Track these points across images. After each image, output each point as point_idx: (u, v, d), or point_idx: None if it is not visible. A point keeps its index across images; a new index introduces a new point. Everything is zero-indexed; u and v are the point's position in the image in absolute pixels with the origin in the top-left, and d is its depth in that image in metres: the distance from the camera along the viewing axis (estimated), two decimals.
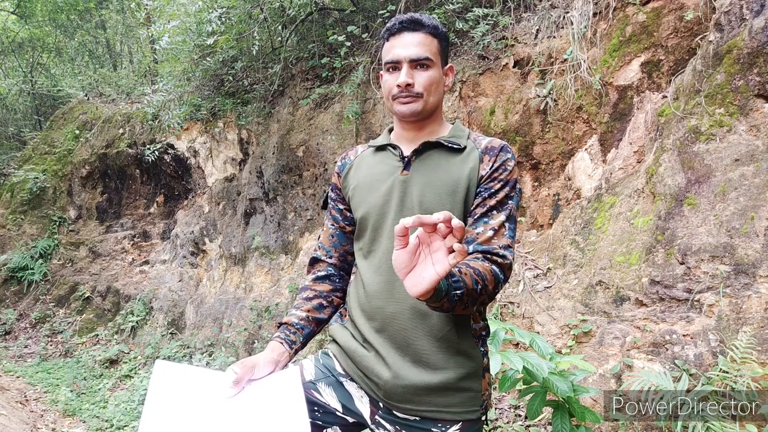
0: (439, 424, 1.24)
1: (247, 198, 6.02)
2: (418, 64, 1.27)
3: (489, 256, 1.20)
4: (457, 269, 1.07)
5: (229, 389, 1.20)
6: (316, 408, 1.31)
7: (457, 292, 1.05)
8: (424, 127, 1.34)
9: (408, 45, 1.27)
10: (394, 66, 1.28)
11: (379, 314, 1.27)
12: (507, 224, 1.24)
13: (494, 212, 1.24)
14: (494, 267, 1.18)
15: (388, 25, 1.32)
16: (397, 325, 1.25)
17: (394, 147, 1.36)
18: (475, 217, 1.25)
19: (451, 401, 1.24)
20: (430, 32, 1.29)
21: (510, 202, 1.26)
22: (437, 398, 1.23)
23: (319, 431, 1.30)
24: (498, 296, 3.51)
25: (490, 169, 1.27)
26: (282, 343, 1.35)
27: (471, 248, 1.21)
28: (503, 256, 1.20)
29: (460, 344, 1.25)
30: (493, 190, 1.26)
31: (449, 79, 1.36)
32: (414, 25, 1.28)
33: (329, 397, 1.33)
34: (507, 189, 1.26)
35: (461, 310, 1.11)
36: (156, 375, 1.20)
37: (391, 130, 1.45)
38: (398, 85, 1.27)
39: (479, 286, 1.11)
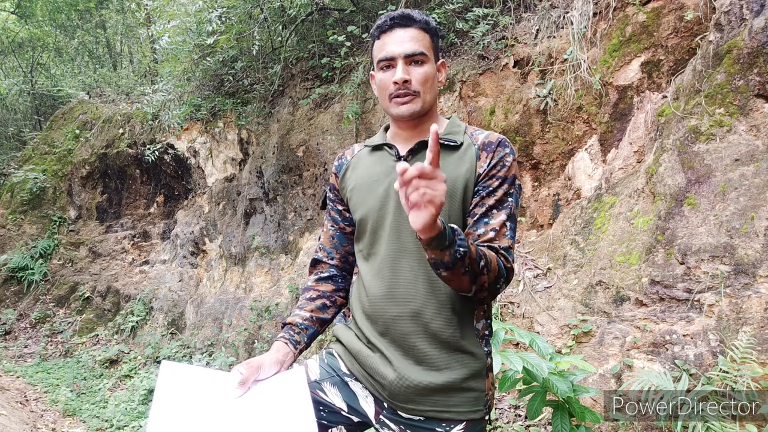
0: (443, 424, 1.24)
1: (247, 198, 6.02)
2: (412, 60, 1.25)
3: (494, 250, 1.19)
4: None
5: (235, 390, 1.20)
6: (321, 407, 1.31)
7: (461, 249, 1.05)
8: (421, 124, 1.32)
9: (401, 41, 1.24)
10: (389, 64, 1.26)
11: (381, 318, 1.27)
12: (508, 224, 1.22)
13: (494, 211, 1.22)
14: (499, 260, 1.17)
15: (378, 22, 1.29)
16: (400, 328, 1.25)
17: (390, 146, 1.35)
18: (475, 217, 1.23)
19: (455, 401, 1.24)
20: (421, 27, 1.27)
21: (509, 199, 1.24)
22: (442, 398, 1.23)
23: (324, 431, 1.31)
24: (498, 296, 3.51)
25: (488, 166, 1.25)
26: (287, 343, 1.35)
27: None
28: (505, 257, 1.19)
29: (463, 345, 1.25)
30: (491, 188, 1.23)
31: (442, 74, 1.34)
32: (405, 21, 1.26)
33: (334, 397, 1.33)
34: (506, 186, 1.24)
35: (461, 274, 1.09)
36: (162, 376, 1.20)
37: (387, 129, 1.43)
38: (395, 82, 1.24)
39: (482, 262, 1.11)
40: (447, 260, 1.05)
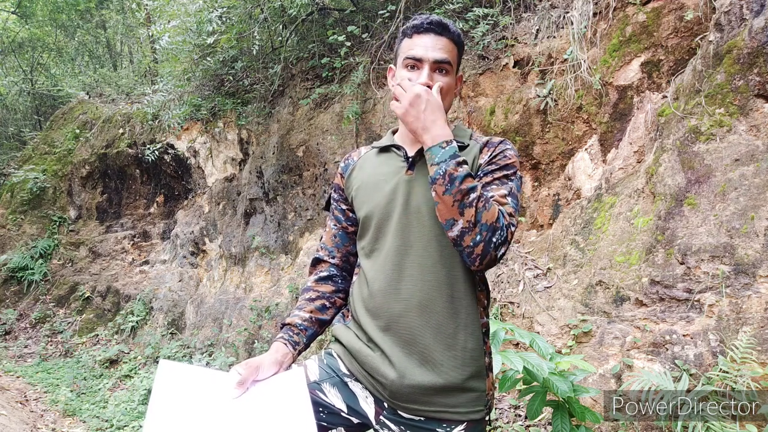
0: (444, 425, 1.24)
1: (247, 198, 6.02)
2: (438, 67, 1.28)
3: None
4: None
5: (233, 390, 1.20)
6: (320, 409, 1.31)
7: (444, 167, 1.16)
8: None
9: (433, 46, 1.28)
10: (414, 64, 1.29)
11: (384, 313, 1.27)
12: (509, 198, 1.24)
13: (493, 186, 1.25)
14: (500, 210, 1.18)
15: (414, 21, 1.32)
16: (404, 323, 1.25)
17: (398, 148, 1.38)
18: None
19: (456, 401, 1.24)
20: (453, 39, 1.31)
21: (510, 182, 1.27)
22: (443, 398, 1.24)
23: None
24: (498, 296, 3.51)
25: (489, 157, 1.30)
26: (286, 344, 1.35)
27: None
28: (508, 214, 1.20)
29: (466, 342, 1.25)
30: (489, 170, 1.28)
31: (458, 87, 1.39)
32: (441, 29, 1.29)
33: (334, 398, 1.33)
34: (506, 171, 1.28)
35: (442, 193, 1.15)
36: (160, 375, 1.20)
37: (394, 132, 1.46)
38: None
39: (473, 194, 1.14)
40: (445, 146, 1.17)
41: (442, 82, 1.28)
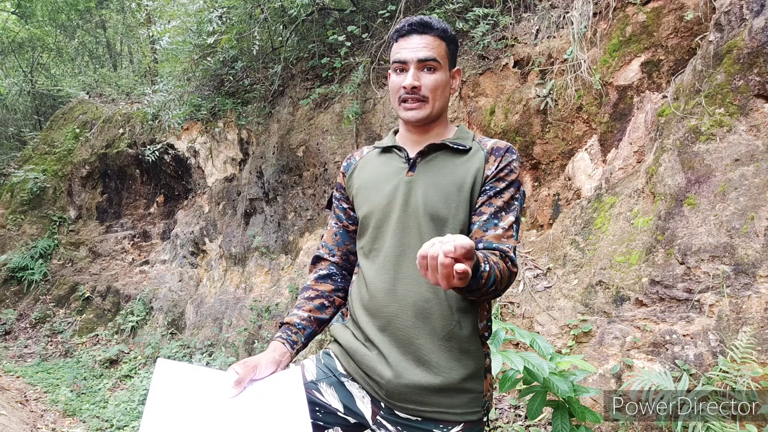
0: (441, 425, 1.24)
1: (247, 198, 6.02)
2: (425, 66, 1.28)
3: (503, 256, 1.20)
4: (481, 255, 1.09)
5: (230, 389, 1.20)
6: (317, 408, 1.31)
7: (488, 286, 1.08)
8: (430, 129, 1.36)
9: (416, 47, 1.28)
10: (401, 67, 1.29)
11: (382, 312, 1.27)
12: (514, 226, 1.26)
13: (503, 213, 1.25)
14: (507, 266, 1.19)
15: (397, 26, 1.33)
16: (400, 323, 1.25)
17: (400, 149, 1.38)
18: (484, 217, 1.25)
19: (453, 402, 1.24)
20: (438, 35, 1.30)
21: (516, 203, 1.28)
22: (439, 399, 1.23)
23: None
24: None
25: (496, 169, 1.28)
26: (284, 343, 1.35)
27: (482, 245, 1.21)
28: (513, 259, 1.21)
29: (462, 343, 1.25)
30: (498, 189, 1.27)
31: (456, 82, 1.37)
32: (423, 28, 1.29)
33: (331, 398, 1.33)
34: (512, 190, 1.28)
35: (480, 295, 1.12)
36: (158, 373, 1.20)
37: (396, 132, 1.46)
38: (404, 87, 1.27)
39: (492, 282, 1.12)
40: (475, 291, 1.08)
41: (430, 79, 1.28)
